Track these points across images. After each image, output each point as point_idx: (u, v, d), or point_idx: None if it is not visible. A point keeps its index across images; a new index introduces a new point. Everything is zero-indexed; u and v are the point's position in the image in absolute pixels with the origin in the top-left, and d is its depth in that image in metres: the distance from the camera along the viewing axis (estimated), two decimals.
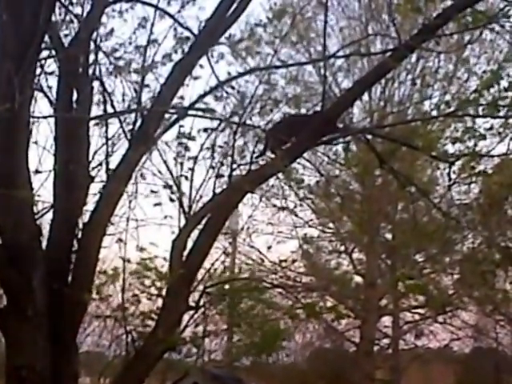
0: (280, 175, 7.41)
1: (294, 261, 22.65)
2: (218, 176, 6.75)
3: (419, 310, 23.48)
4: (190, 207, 6.78)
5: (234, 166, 6.70)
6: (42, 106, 6.61)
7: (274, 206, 20.70)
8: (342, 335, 24.71)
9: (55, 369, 5.98)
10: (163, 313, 6.44)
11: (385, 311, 23.37)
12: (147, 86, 6.78)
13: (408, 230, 20.51)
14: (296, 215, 21.89)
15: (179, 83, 6.55)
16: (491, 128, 8.33)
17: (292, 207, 21.01)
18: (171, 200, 6.69)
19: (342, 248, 23.00)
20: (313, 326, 24.03)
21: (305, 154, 8.07)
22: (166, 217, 6.92)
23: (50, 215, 6.44)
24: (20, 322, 5.78)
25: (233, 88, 7.08)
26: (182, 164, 6.77)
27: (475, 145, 8.40)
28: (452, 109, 8.06)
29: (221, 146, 6.83)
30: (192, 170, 6.86)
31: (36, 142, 6.52)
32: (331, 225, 22.74)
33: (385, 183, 20.32)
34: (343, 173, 19.98)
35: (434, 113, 8.65)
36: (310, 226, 22.99)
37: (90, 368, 11.86)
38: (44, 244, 6.24)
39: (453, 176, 14.27)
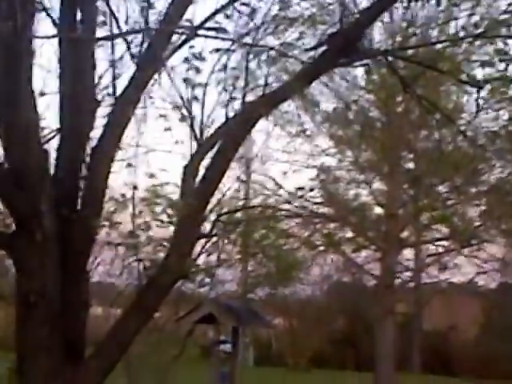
0: (296, 99, 7.42)
1: (311, 189, 22.85)
2: (231, 99, 6.80)
3: (443, 243, 23.65)
4: (201, 132, 6.87)
5: (247, 88, 6.74)
6: (45, 26, 6.64)
7: (290, 132, 20.79)
8: (361, 268, 25.01)
9: (65, 296, 6.20)
10: (175, 240, 6.59)
11: (406, 243, 23.57)
12: (153, 7, 6.77)
13: (432, 159, 20.54)
14: (312, 143, 21.95)
15: (187, 1, 6.55)
16: None
17: (308, 134, 21.06)
18: (182, 120, 6.75)
19: (362, 178, 23.05)
20: (331, 258, 24.30)
21: (322, 78, 8.10)
22: (176, 142, 7.01)
23: (56, 140, 6.55)
24: (28, 247, 5.99)
25: (245, 5, 7.02)
26: (192, 87, 6.81)
27: (506, 68, 8.32)
28: (480, 30, 7.99)
29: (233, 68, 6.85)
30: (203, 93, 6.92)
31: (40, 65, 6.58)
32: (349, 153, 22.75)
33: (407, 110, 20.25)
34: (363, 98, 19.87)
35: (461, 35, 8.56)
36: (327, 155, 23.03)
37: (101, 298, 12.16)
38: (52, 170, 6.39)
39: (481, 102, 14.25)
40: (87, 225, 6.26)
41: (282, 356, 28.34)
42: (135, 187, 6.83)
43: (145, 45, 6.61)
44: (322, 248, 22.48)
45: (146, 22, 6.72)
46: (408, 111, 20.16)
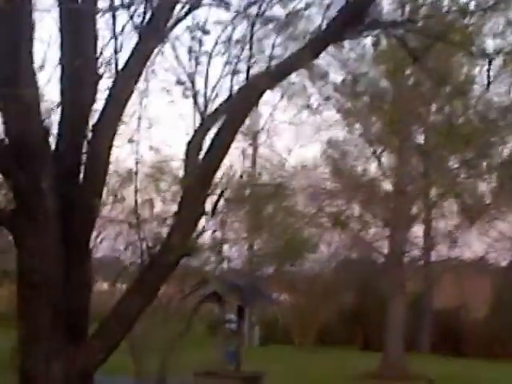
0: (303, 71, 7.35)
1: (317, 166, 22.82)
2: (235, 72, 6.74)
3: (453, 220, 23.63)
4: (205, 106, 6.82)
5: (252, 61, 6.69)
6: None
7: (297, 105, 20.71)
8: (369, 245, 25.03)
9: (67, 275, 6.21)
10: (178, 217, 6.58)
11: (416, 220, 23.56)
12: None
13: (442, 133, 20.47)
14: (319, 116, 21.86)
15: None
16: None
17: (315, 106, 20.95)
18: (185, 94, 6.71)
19: (370, 152, 23.00)
20: (339, 236, 24.32)
21: (330, 50, 8.05)
22: (180, 116, 6.97)
23: (58, 115, 6.51)
24: (29, 225, 5.98)
25: None
26: (196, 59, 6.75)
27: None
28: (492, 2, 7.90)
29: (238, 41, 6.79)
30: (207, 66, 6.86)
31: (41, 38, 6.52)
32: (358, 127, 22.68)
33: (417, 83, 20.14)
34: (372, 70, 19.77)
35: (473, 6, 8.47)
36: (335, 129, 22.95)
37: (106, 273, 12.18)
38: (54, 147, 6.37)
39: (492, 75, 14.08)
40: (88, 201, 6.24)
41: (288, 334, 28.43)
42: (138, 162, 6.79)
43: (147, 15, 6.55)
44: (329, 225, 22.49)
45: None
46: (419, 84, 20.04)
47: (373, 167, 24.03)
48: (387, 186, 24.09)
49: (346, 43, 14.72)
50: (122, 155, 7.06)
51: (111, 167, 6.82)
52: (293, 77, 17.71)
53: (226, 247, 11.00)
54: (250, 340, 28.18)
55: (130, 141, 6.65)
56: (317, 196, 22.90)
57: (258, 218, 12.02)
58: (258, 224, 11.97)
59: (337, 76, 20.16)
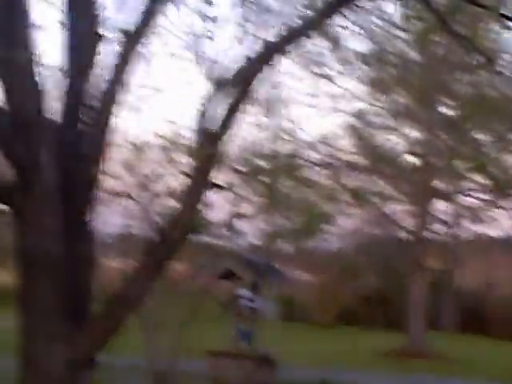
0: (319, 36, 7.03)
1: (338, 138, 22.43)
2: (247, 36, 6.44)
3: (479, 194, 23.26)
4: (216, 73, 6.54)
5: (265, 25, 6.40)
6: None
7: (315, 73, 20.30)
8: (392, 221, 24.71)
9: (69, 252, 6.00)
10: (186, 192, 6.35)
11: (440, 194, 23.22)
12: None
13: (470, 104, 20.06)
14: (340, 86, 21.49)
15: None
16: None
17: (335, 75, 20.56)
18: (196, 61, 6.43)
19: (395, 124, 22.66)
20: (360, 211, 23.99)
21: (351, 16, 7.73)
22: (190, 83, 6.71)
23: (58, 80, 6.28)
24: (28, 200, 5.77)
25: None
26: (206, 20, 6.43)
27: None
28: None
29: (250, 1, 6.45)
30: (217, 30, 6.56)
31: None
32: (381, 97, 22.31)
33: (446, 51, 19.72)
34: (396, 37, 19.33)
35: None
36: (357, 99, 22.60)
37: (116, 249, 11.99)
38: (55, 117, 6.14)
39: None
40: (88, 174, 6.02)
41: (308, 312, 28.29)
42: (144, 133, 6.55)
43: None
44: (350, 200, 22.20)
45: None
46: (447, 52, 19.63)
47: (398, 140, 23.70)
48: (413, 159, 23.75)
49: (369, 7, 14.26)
50: (131, 126, 6.78)
51: (120, 138, 6.59)
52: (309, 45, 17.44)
53: (240, 223, 10.70)
54: (269, 317, 28.08)
55: (134, 109, 6.38)
56: (337, 169, 22.57)
57: (273, 192, 11.74)
58: (272, 198, 11.68)
59: (359, 44, 19.66)
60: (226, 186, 6.56)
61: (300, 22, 6.35)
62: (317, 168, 21.51)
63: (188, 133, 6.76)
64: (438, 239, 25.15)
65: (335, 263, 27.44)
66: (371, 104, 22.82)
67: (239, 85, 6.41)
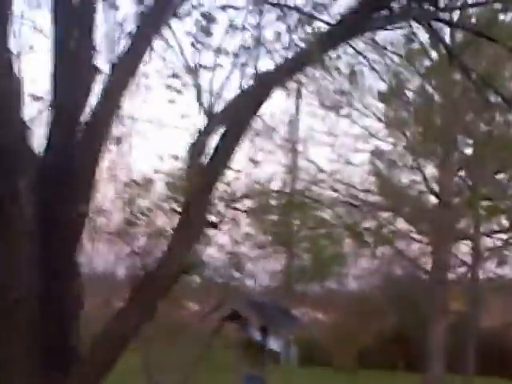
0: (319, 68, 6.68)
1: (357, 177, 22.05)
2: (244, 67, 6.11)
3: (502, 235, 22.74)
4: (210, 105, 6.22)
5: (262, 55, 6.07)
6: None
7: (336, 112, 20.06)
8: (413, 262, 24.18)
9: (50, 292, 5.67)
10: (178, 229, 6.01)
11: (461, 235, 22.70)
12: None
13: (490, 143, 19.65)
14: (360, 124, 21.25)
15: None
16: None
17: (355, 115, 20.36)
18: (183, 92, 6.12)
19: (413, 163, 22.26)
20: (380, 251, 23.52)
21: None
22: (183, 116, 6.39)
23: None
24: (5, 234, 5.44)
25: None
26: (201, 48, 6.11)
27: None
28: None
29: (246, 29, 6.10)
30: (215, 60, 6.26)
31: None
32: (400, 136, 21.98)
33: (465, 89, 19.36)
34: (416, 76, 19.07)
35: None
36: (377, 139, 22.33)
37: (103, 289, 11.60)
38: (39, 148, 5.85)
39: None
40: (75, 211, 5.69)
41: (327, 355, 27.64)
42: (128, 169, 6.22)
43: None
44: (369, 240, 21.77)
45: None
46: (465, 91, 19.27)
47: (418, 179, 23.29)
48: (433, 199, 23.31)
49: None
50: (122, 160, 6.45)
51: (110, 173, 6.28)
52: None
53: (250, 262, 10.35)
54: (287, 361, 27.47)
55: (118, 142, 6.06)
56: (358, 208, 22.17)
57: (284, 230, 11.38)
58: (284, 237, 11.32)
59: (377, 83, 19.43)
60: (226, 223, 6.20)
61: (298, 53, 6.05)
62: (334, 207, 21.11)
63: (181, 167, 6.40)
64: (459, 280, 24.55)
65: (354, 303, 26.92)
66: (390, 142, 22.50)
67: (234, 117, 6.10)
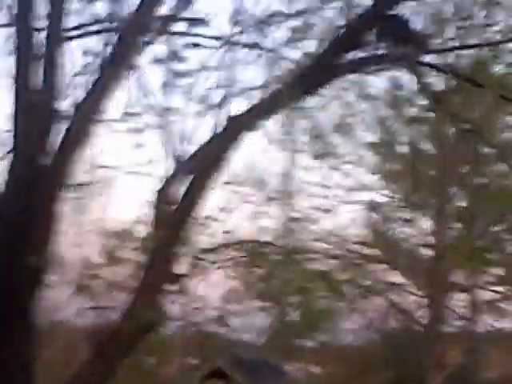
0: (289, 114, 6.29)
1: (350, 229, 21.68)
2: (214, 109, 5.74)
3: (498, 288, 22.39)
4: (178, 150, 5.84)
5: (233, 96, 5.71)
6: None
7: (328, 163, 19.72)
8: (408, 315, 23.77)
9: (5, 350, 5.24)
10: (142, 283, 5.59)
11: (457, 288, 22.32)
12: None
13: (485, 195, 19.37)
14: (352, 177, 20.94)
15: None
16: None
17: (347, 166, 20.07)
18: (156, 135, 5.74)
19: (407, 215, 21.94)
20: (374, 304, 23.08)
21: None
22: (150, 162, 6.00)
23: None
24: None
25: None
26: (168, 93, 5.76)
27: None
28: None
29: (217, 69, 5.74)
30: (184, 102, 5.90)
31: None
32: (394, 188, 21.72)
33: (458, 139, 19.13)
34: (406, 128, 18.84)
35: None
36: (369, 190, 22.03)
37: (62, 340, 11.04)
38: None
39: None
40: (33, 264, 5.27)
41: None
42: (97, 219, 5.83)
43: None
44: (362, 293, 21.35)
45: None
46: (458, 142, 19.05)
47: (412, 232, 22.98)
48: (427, 251, 22.98)
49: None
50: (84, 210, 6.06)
51: (70, 223, 5.88)
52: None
53: (234, 318, 9.89)
54: None
55: (79, 189, 5.65)
56: (350, 261, 21.80)
57: (271, 284, 10.94)
58: (270, 291, 10.88)
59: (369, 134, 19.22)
60: (186, 275, 5.77)
61: (270, 96, 5.69)
62: (328, 260, 20.70)
63: (144, 218, 5.99)
64: (455, 332, 24.08)
65: (350, 357, 26.29)
66: (384, 194, 22.21)
67: (202, 163, 5.72)
